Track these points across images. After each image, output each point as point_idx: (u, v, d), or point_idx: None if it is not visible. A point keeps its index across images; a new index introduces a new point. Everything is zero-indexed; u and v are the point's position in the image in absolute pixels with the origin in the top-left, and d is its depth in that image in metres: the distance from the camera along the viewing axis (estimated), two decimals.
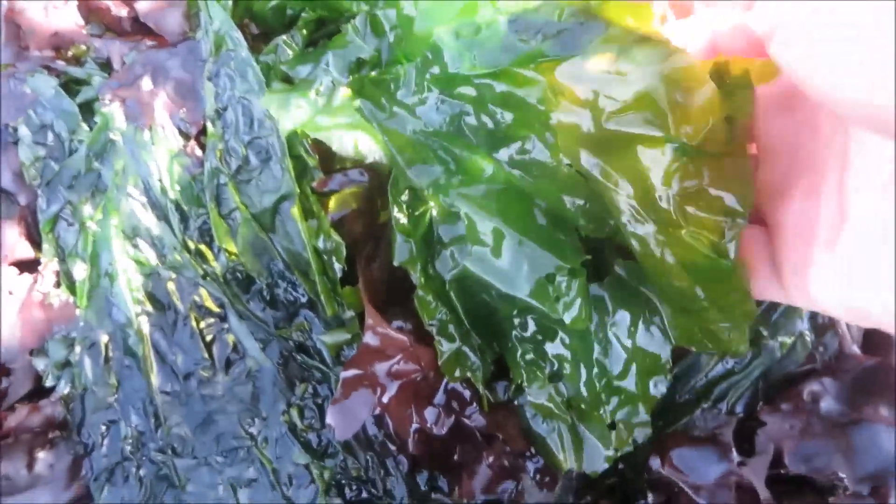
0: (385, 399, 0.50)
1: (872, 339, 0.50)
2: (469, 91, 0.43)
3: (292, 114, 0.50)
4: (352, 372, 0.51)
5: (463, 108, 0.44)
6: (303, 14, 0.58)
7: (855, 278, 0.29)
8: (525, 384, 0.49)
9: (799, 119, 0.33)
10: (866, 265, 0.29)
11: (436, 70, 0.45)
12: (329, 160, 0.58)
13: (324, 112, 0.49)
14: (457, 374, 0.50)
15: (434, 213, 0.50)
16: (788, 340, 0.50)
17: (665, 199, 0.35)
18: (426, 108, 0.46)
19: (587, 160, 0.36)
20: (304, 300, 0.58)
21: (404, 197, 0.49)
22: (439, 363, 0.50)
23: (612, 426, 0.48)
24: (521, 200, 0.45)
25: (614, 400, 0.48)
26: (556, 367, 0.49)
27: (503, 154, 0.44)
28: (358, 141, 0.48)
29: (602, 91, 0.34)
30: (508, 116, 0.42)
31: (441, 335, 0.50)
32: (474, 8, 0.42)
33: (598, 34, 0.36)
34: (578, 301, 0.45)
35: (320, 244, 0.54)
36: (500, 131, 0.43)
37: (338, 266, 0.53)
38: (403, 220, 0.50)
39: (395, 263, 0.50)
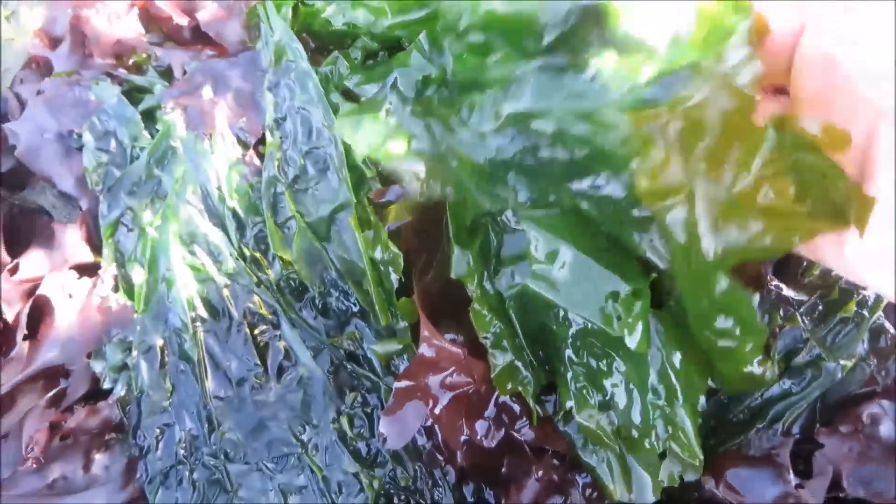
0: (437, 410, 0.51)
1: None
2: (548, 127, 0.44)
3: (365, 137, 0.51)
4: (405, 383, 0.52)
5: (539, 140, 0.45)
6: (357, 42, 0.60)
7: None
8: (574, 410, 0.50)
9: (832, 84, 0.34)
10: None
11: (516, 102, 0.46)
12: (387, 170, 0.59)
13: (395, 135, 0.50)
14: (508, 387, 0.51)
15: (494, 230, 0.51)
16: (849, 363, 0.50)
17: None
18: (500, 136, 0.47)
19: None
20: (355, 309, 0.59)
21: (465, 217, 0.50)
22: (492, 375, 0.51)
23: (663, 455, 0.48)
24: (587, 224, 0.46)
25: (666, 429, 0.48)
26: (608, 396, 0.49)
27: (574, 185, 0.45)
28: (430, 170, 0.49)
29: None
30: (585, 152, 0.43)
31: (495, 348, 0.51)
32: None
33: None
34: (640, 324, 0.45)
35: (377, 255, 0.56)
36: (574, 165, 0.44)
37: (394, 277, 0.54)
38: (462, 234, 0.51)
39: (452, 276, 0.51)
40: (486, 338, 0.51)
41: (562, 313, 0.50)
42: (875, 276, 0.33)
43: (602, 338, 0.49)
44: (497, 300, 0.52)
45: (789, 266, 0.54)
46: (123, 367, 0.62)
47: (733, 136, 0.36)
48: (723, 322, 0.43)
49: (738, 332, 0.43)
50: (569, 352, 0.51)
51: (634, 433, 0.49)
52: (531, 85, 0.44)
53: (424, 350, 0.52)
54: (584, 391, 0.50)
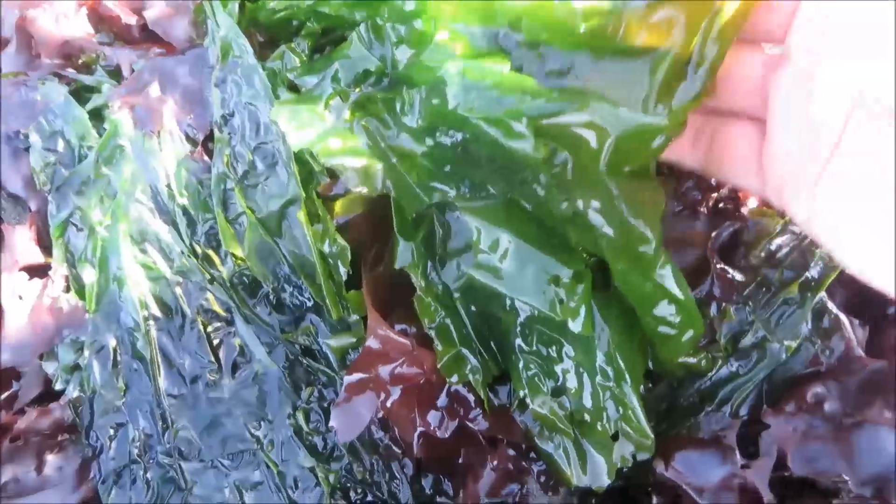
0: (388, 403, 0.51)
1: (877, 343, 0.51)
2: (471, 129, 0.45)
3: (302, 131, 0.51)
4: (356, 376, 0.52)
5: (467, 137, 0.45)
6: (307, 24, 0.60)
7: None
8: (528, 398, 0.50)
9: None
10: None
11: (437, 102, 0.46)
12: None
13: (333, 133, 0.50)
14: (455, 377, 0.51)
15: (439, 220, 0.51)
16: (793, 343, 0.50)
17: None
18: (432, 135, 0.47)
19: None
20: (309, 304, 0.59)
21: (408, 211, 0.51)
22: (438, 365, 0.51)
23: (615, 437, 0.49)
24: (525, 212, 0.46)
25: (616, 410, 0.48)
26: (560, 382, 0.50)
27: (506, 181, 0.45)
28: (368, 167, 0.50)
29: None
30: (504, 156, 0.44)
31: (440, 338, 0.51)
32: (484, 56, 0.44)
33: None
34: (583, 307, 0.46)
35: (326, 248, 0.56)
36: (499, 164, 0.44)
37: (343, 269, 0.54)
38: (406, 226, 0.52)
39: (396, 267, 0.52)
40: (430, 328, 0.51)
41: (509, 302, 0.50)
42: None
43: (550, 324, 0.49)
44: (444, 291, 0.52)
45: (735, 248, 0.55)
46: (76, 367, 0.62)
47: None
48: (664, 309, 0.44)
49: (677, 320, 0.44)
50: (518, 340, 0.51)
51: (587, 417, 0.49)
52: (456, 84, 0.45)
53: (372, 342, 0.52)
54: (536, 378, 0.51)
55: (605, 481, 0.49)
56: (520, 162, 0.43)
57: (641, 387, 0.48)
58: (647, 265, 0.42)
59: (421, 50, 0.48)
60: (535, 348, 0.51)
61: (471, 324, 0.53)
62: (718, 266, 0.52)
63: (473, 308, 0.52)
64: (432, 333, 0.51)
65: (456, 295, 0.52)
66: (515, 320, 0.50)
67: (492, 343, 0.53)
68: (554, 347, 0.50)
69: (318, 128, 0.51)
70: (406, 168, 0.49)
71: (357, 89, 0.53)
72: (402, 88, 0.49)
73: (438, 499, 0.58)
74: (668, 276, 0.42)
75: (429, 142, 0.48)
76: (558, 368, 0.50)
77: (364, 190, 0.53)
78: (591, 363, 0.49)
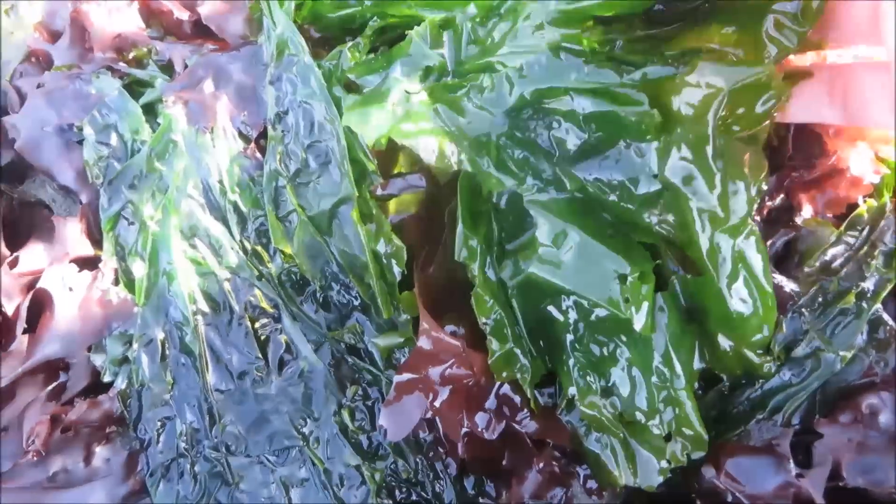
0: (437, 403, 0.52)
1: None
2: (565, 104, 0.45)
3: (374, 125, 0.52)
4: (405, 376, 0.52)
5: (554, 118, 0.46)
6: (371, 23, 0.61)
7: None
8: (577, 398, 0.51)
9: None
10: None
11: (532, 82, 0.47)
12: (388, 164, 0.60)
13: (405, 119, 0.51)
14: (505, 374, 0.52)
15: (498, 219, 0.52)
16: (848, 354, 0.51)
17: None
18: (515, 115, 0.48)
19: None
20: (356, 303, 0.60)
21: (471, 198, 0.51)
22: (489, 362, 0.52)
23: (668, 437, 0.49)
24: (593, 208, 0.47)
25: (670, 411, 0.49)
26: (610, 382, 0.50)
27: (584, 167, 0.46)
28: (443, 145, 0.50)
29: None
30: (600, 130, 0.45)
31: (494, 335, 0.52)
32: (578, 36, 0.45)
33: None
34: (646, 305, 0.47)
35: (380, 248, 0.56)
36: (588, 143, 0.45)
37: (397, 270, 0.55)
38: (469, 217, 0.52)
39: (457, 258, 0.52)
40: (486, 324, 0.52)
41: (564, 301, 0.51)
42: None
43: (605, 324, 0.50)
44: (499, 288, 0.53)
45: (789, 258, 0.55)
46: (124, 360, 0.63)
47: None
48: (741, 288, 0.45)
49: (753, 299, 0.45)
50: (570, 339, 0.52)
51: (640, 417, 0.50)
52: (546, 64, 0.45)
53: (423, 343, 0.52)
54: (587, 378, 0.51)
55: (657, 480, 0.50)
56: (619, 133, 0.44)
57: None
58: (735, 229, 0.43)
59: (507, 35, 0.49)
60: (587, 347, 0.51)
61: (524, 322, 0.54)
62: (774, 275, 0.52)
63: (527, 306, 0.53)
64: (487, 329, 0.52)
65: (512, 291, 0.53)
66: (569, 319, 0.51)
67: (542, 342, 0.54)
68: (608, 347, 0.51)
69: (390, 120, 0.52)
70: (479, 149, 0.50)
71: (421, 83, 0.53)
72: (479, 76, 0.49)
73: (481, 500, 0.58)
74: (751, 247, 0.43)
75: (507, 124, 0.48)
76: (611, 368, 0.50)
77: (433, 171, 0.53)
78: (648, 363, 0.50)
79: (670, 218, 0.44)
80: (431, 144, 0.50)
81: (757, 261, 0.44)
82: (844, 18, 0.41)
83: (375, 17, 0.61)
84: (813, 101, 0.42)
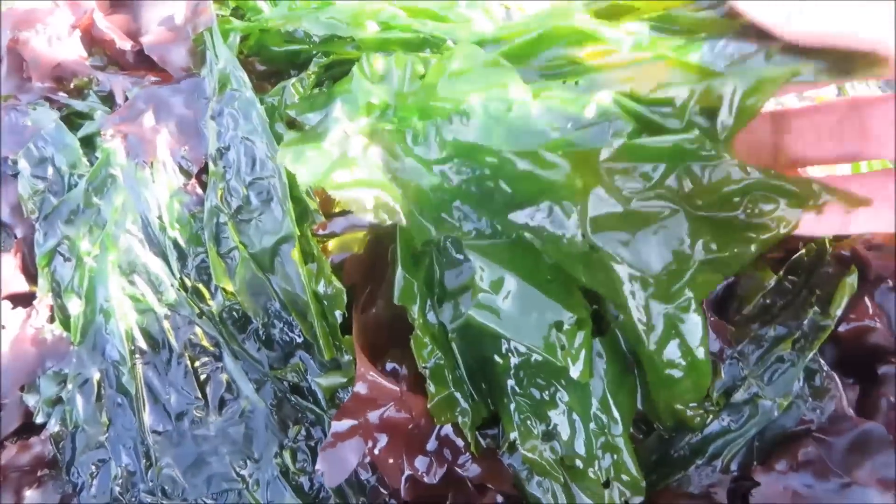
0: (376, 449, 0.51)
1: (867, 403, 0.52)
2: (493, 160, 0.45)
3: (308, 167, 0.51)
4: (344, 423, 0.52)
5: (484, 172, 0.46)
6: (315, 59, 0.60)
7: None
8: (518, 442, 0.51)
9: None
10: None
11: (458, 135, 0.47)
12: (329, 203, 0.59)
13: (340, 164, 0.50)
14: (445, 418, 0.52)
15: (438, 261, 0.51)
16: (785, 401, 0.51)
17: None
18: (446, 166, 0.48)
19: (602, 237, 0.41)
20: (299, 341, 0.59)
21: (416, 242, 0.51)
22: (428, 406, 0.52)
23: (607, 484, 0.49)
24: (531, 254, 0.47)
25: (608, 457, 0.49)
26: (551, 426, 0.50)
27: (517, 216, 0.46)
28: (378, 198, 0.50)
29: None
30: (528, 187, 0.44)
31: (433, 379, 0.52)
32: (506, 85, 0.45)
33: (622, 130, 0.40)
34: (583, 353, 0.47)
35: (320, 288, 0.56)
36: (518, 196, 0.45)
37: (338, 313, 0.54)
38: (408, 261, 0.52)
39: (396, 302, 0.52)
40: (425, 367, 0.52)
41: (504, 345, 0.51)
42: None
43: (544, 368, 0.50)
44: (440, 331, 0.53)
45: (728, 302, 0.55)
46: (58, 400, 0.62)
47: None
48: (673, 351, 0.45)
49: (685, 363, 0.45)
50: (511, 383, 0.52)
51: (579, 463, 0.50)
52: (477, 118, 0.45)
53: (360, 387, 0.52)
54: (528, 422, 0.51)
55: None
56: (545, 192, 0.44)
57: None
58: (669, 296, 0.43)
59: (437, 82, 0.49)
60: (528, 392, 0.51)
61: (464, 365, 0.53)
62: (712, 319, 0.53)
63: (468, 349, 0.53)
64: (426, 373, 0.51)
65: (452, 335, 0.53)
66: (510, 363, 0.51)
67: (483, 385, 0.54)
68: (548, 391, 0.51)
69: (325, 163, 0.51)
70: (414, 200, 0.50)
71: (361, 121, 0.53)
72: (413, 119, 0.49)
73: None
74: (687, 314, 0.43)
75: (440, 174, 0.48)
76: (551, 413, 0.51)
77: (370, 221, 0.53)
78: (586, 409, 0.50)
79: (600, 276, 0.44)
80: (364, 196, 0.50)
81: (693, 328, 0.43)
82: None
83: (321, 54, 0.61)
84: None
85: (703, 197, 0.41)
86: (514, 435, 0.51)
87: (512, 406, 0.52)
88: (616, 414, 0.49)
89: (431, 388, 0.51)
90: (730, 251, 0.42)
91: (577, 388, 0.50)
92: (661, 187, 0.41)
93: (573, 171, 0.42)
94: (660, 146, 0.40)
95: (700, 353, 0.44)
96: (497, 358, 0.51)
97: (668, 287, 0.42)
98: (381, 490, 0.58)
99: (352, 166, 0.51)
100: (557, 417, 0.51)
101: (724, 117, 0.39)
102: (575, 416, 0.50)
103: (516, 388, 0.52)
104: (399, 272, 0.53)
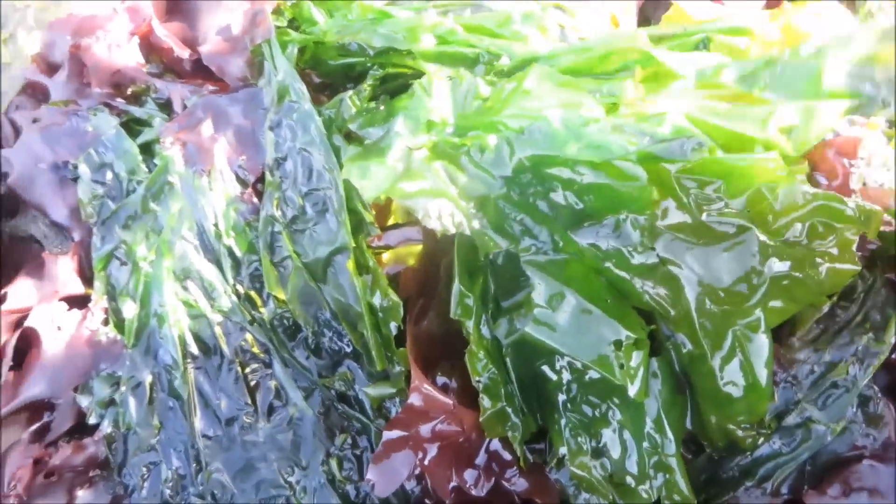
0: (426, 461, 0.52)
1: None
2: (564, 173, 0.46)
3: (373, 181, 0.52)
4: (395, 433, 0.52)
5: (552, 185, 0.46)
6: (372, 71, 0.61)
7: None
8: (567, 458, 0.51)
9: None
10: None
11: (532, 147, 0.47)
12: (384, 215, 0.60)
13: (404, 177, 0.51)
14: (496, 431, 0.52)
15: (494, 277, 0.52)
16: (838, 426, 0.51)
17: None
18: (514, 178, 0.49)
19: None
20: (348, 350, 0.60)
21: (468, 256, 0.52)
22: (481, 419, 0.52)
23: (658, 502, 0.50)
24: (590, 271, 0.48)
25: (661, 476, 0.49)
26: (601, 443, 0.51)
27: (582, 232, 0.46)
28: (443, 208, 0.51)
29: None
30: (598, 199, 0.45)
31: (486, 393, 0.52)
32: (580, 104, 0.46)
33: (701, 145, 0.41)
34: (641, 371, 0.47)
35: (376, 300, 0.56)
36: (586, 210, 0.46)
37: (394, 325, 0.55)
38: (466, 275, 0.53)
39: (452, 315, 0.53)
40: (479, 381, 0.52)
41: (558, 361, 0.51)
42: None
43: (598, 386, 0.51)
44: (493, 345, 0.54)
45: (783, 327, 0.56)
46: (111, 402, 0.62)
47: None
48: (734, 371, 0.45)
49: (745, 383, 0.45)
50: (563, 398, 0.53)
51: (630, 481, 0.51)
52: (553, 131, 0.46)
53: (414, 399, 0.53)
54: (578, 438, 0.52)
55: None
56: (616, 204, 0.45)
57: None
58: (738, 313, 0.43)
59: (510, 98, 0.50)
60: (579, 408, 0.52)
61: (516, 380, 0.54)
62: None
63: (521, 364, 0.54)
64: (479, 387, 0.52)
65: (506, 350, 0.54)
66: (562, 379, 0.52)
67: (534, 400, 0.54)
68: (600, 409, 0.51)
69: (390, 177, 0.52)
70: (480, 210, 0.51)
71: (422, 137, 0.54)
72: (480, 134, 0.50)
73: None
74: (756, 334, 0.44)
75: (506, 187, 0.49)
76: (603, 430, 0.51)
77: (425, 234, 0.54)
78: (640, 428, 0.50)
79: (663, 291, 0.44)
80: (430, 205, 0.50)
81: (759, 349, 0.44)
82: None
83: (377, 67, 0.62)
84: None
85: (774, 217, 0.42)
86: (563, 450, 0.52)
87: (563, 421, 0.52)
88: (670, 433, 0.50)
89: (485, 402, 0.52)
90: (802, 272, 0.43)
91: (630, 407, 0.50)
92: (732, 205, 0.42)
93: (649, 183, 0.43)
94: (736, 164, 0.41)
95: (762, 374, 0.45)
96: (550, 374, 0.52)
97: (739, 303, 0.43)
98: (426, 501, 0.58)
99: (416, 178, 0.52)
100: (609, 435, 0.51)
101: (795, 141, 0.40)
102: (627, 434, 0.50)
103: (568, 405, 0.52)
104: (456, 286, 0.53)
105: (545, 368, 0.52)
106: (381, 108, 0.60)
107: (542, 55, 0.59)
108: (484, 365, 0.52)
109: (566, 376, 0.52)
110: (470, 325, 0.53)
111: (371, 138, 0.57)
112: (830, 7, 0.62)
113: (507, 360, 0.54)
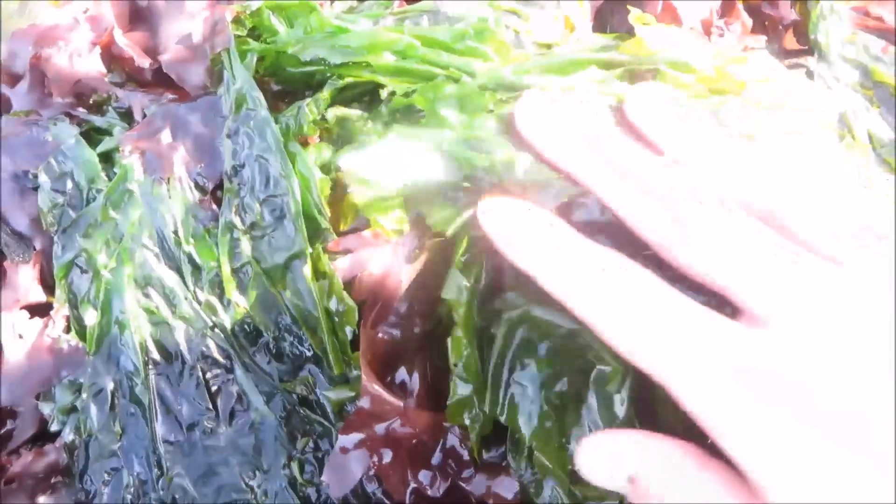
0: (380, 463, 0.53)
1: None
2: None
3: None
4: (351, 437, 0.53)
5: None
6: (331, 81, 0.62)
7: None
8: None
9: None
10: None
11: None
12: (339, 220, 0.61)
13: None
14: (458, 418, 0.53)
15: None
16: None
17: None
18: None
19: None
20: (309, 354, 0.61)
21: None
22: (448, 403, 0.53)
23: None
24: None
25: None
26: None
27: None
28: None
29: None
30: None
31: (460, 376, 0.52)
32: None
33: None
34: None
35: (332, 305, 0.57)
36: None
37: (349, 329, 0.56)
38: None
39: (443, 296, 0.53)
40: (456, 365, 0.53)
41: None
42: None
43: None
44: (479, 333, 0.54)
45: None
46: (72, 409, 0.63)
47: None
48: None
49: None
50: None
51: None
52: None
53: (364, 402, 0.54)
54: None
55: None
56: None
57: None
58: None
59: None
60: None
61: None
62: None
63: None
64: (455, 370, 0.52)
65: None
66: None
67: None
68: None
69: None
70: None
71: None
72: None
73: None
74: None
75: None
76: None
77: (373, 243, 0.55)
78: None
79: None
80: None
81: None
82: None
83: (336, 77, 0.63)
84: None
85: None
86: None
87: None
88: None
89: (459, 387, 0.52)
90: None
91: None
92: None
93: None
94: None
95: None
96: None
97: None
98: (386, 502, 0.59)
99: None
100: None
101: None
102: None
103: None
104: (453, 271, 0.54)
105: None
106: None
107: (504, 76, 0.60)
108: (465, 347, 0.52)
109: None
110: (462, 311, 0.53)
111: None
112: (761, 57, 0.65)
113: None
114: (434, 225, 0.54)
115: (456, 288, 0.54)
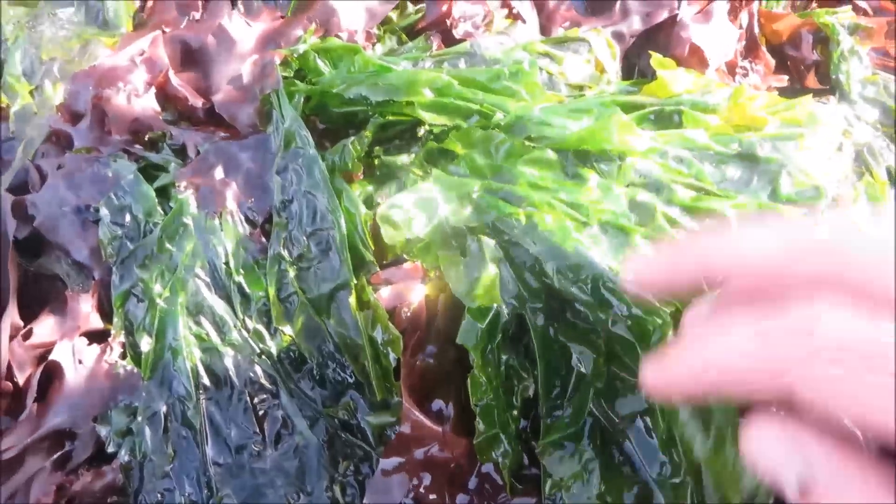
0: (420, 487, 0.55)
1: None
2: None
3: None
4: (392, 460, 0.56)
5: None
6: (372, 119, 0.66)
7: None
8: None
9: None
10: None
11: None
12: (383, 253, 0.64)
13: None
14: (488, 456, 0.56)
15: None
16: None
17: None
18: None
19: None
20: (351, 381, 0.64)
21: None
22: (474, 442, 0.56)
23: None
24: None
25: None
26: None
27: None
28: None
29: None
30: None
31: (482, 416, 0.56)
32: None
33: None
34: None
35: (376, 334, 0.60)
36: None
37: (393, 357, 0.59)
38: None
39: (458, 342, 0.57)
40: (477, 405, 0.56)
41: None
42: None
43: None
44: (495, 373, 0.57)
45: None
46: (128, 431, 0.66)
47: None
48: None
49: None
50: None
51: None
52: None
53: (405, 428, 0.56)
54: None
55: None
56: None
57: None
58: None
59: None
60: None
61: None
62: None
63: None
64: (477, 411, 0.56)
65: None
66: None
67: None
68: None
69: None
70: None
71: None
72: None
73: None
74: None
75: None
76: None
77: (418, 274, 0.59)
78: None
79: None
80: None
81: None
82: None
83: (377, 115, 0.66)
84: None
85: None
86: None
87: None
88: None
89: (481, 425, 0.56)
90: None
91: None
92: None
93: None
94: None
95: None
96: None
97: None
98: None
99: None
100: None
101: None
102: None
103: None
104: (467, 318, 0.57)
105: None
106: None
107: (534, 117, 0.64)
108: (483, 390, 0.56)
109: None
110: (478, 354, 0.56)
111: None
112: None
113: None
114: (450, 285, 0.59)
115: (469, 333, 0.57)
